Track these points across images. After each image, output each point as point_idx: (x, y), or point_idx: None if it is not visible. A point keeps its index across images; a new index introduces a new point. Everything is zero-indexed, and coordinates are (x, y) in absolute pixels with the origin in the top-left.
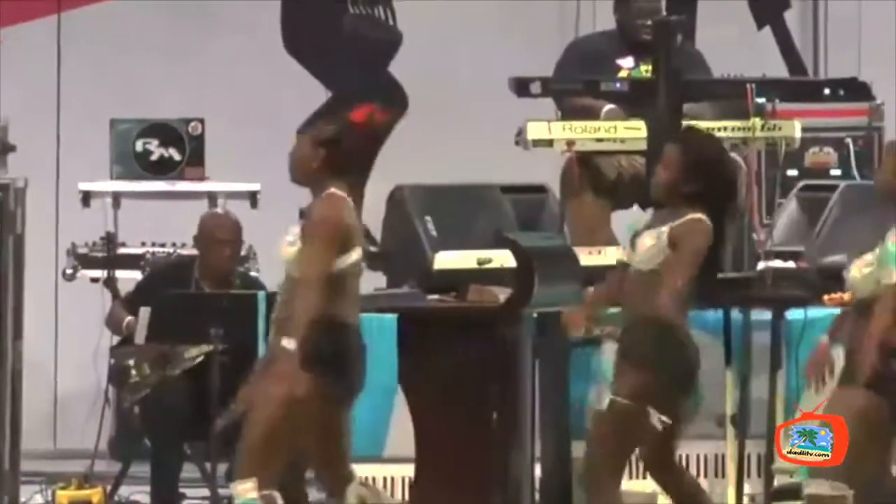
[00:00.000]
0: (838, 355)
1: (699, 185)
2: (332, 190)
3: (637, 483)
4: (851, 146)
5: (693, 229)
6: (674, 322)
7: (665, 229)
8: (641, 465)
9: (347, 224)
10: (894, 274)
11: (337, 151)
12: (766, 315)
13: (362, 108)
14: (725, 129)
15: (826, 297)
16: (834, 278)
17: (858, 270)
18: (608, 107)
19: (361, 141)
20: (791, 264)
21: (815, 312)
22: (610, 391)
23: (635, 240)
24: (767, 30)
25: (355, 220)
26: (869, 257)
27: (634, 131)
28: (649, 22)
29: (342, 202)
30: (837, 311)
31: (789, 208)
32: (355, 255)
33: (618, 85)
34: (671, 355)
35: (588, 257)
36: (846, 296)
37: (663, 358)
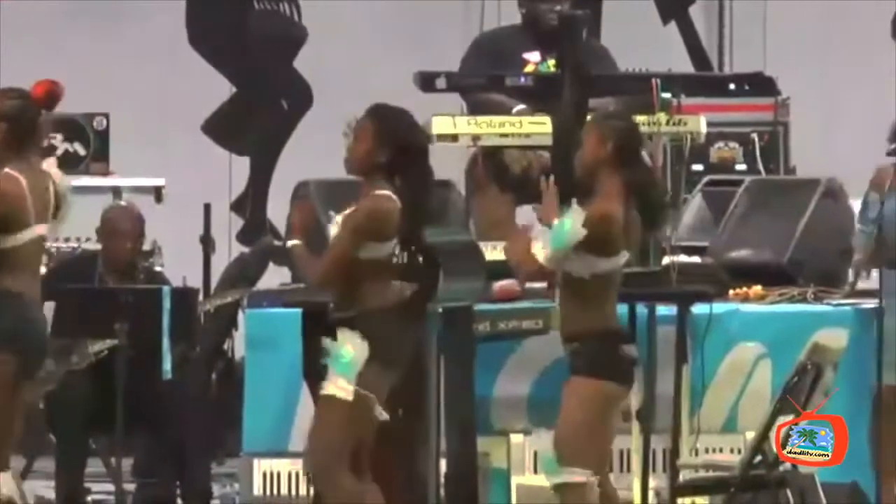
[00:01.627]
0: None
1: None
2: (6, 170)
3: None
4: (756, 141)
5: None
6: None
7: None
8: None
9: (17, 201)
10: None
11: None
12: (672, 310)
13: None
14: None
15: (731, 291)
16: (739, 273)
17: None
18: (519, 107)
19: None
20: (696, 259)
21: (720, 307)
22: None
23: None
24: (673, 25)
25: (26, 196)
26: None
27: (540, 126)
28: (555, 7)
29: (13, 180)
30: (742, 305)
31: (695, 203)
32: (28, 232)
33: (523, 80)
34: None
35: (493, 252)
36: (751, 290)
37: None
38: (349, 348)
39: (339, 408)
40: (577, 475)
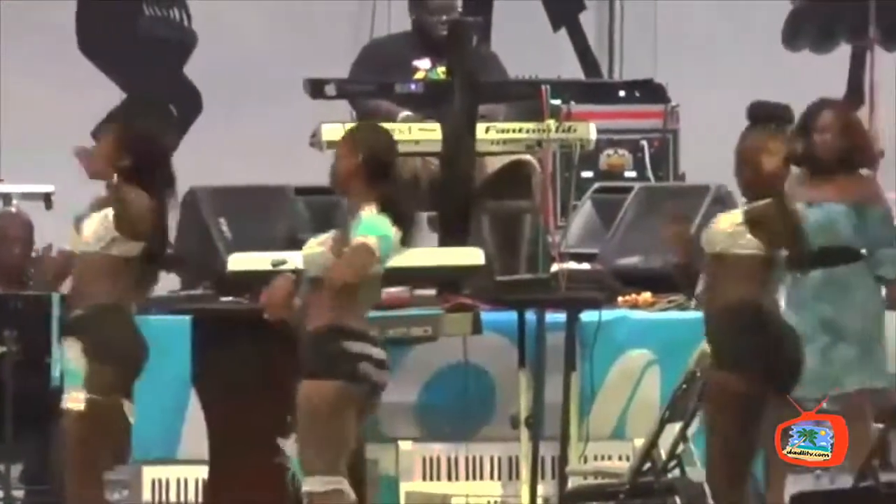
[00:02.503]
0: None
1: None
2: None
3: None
4: (646, 148)
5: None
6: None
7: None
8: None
9: None
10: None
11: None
12: (561, 317)
13: None
14: (521, 130)
15: (620, 298)
16: (628, 280)
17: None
18: (405, 114)
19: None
20: (586, 266)
21: (609, 314)
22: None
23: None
24: (563, 31)
25: None
26: None
27: (429, 133)
28: (444, 18)
29: None
30: (631, 312)
31: (584, 210)
32: None
33: (413, 87)
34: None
35: None
36: (640, 297)
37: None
38: (70, 356)
39: (75, 420)
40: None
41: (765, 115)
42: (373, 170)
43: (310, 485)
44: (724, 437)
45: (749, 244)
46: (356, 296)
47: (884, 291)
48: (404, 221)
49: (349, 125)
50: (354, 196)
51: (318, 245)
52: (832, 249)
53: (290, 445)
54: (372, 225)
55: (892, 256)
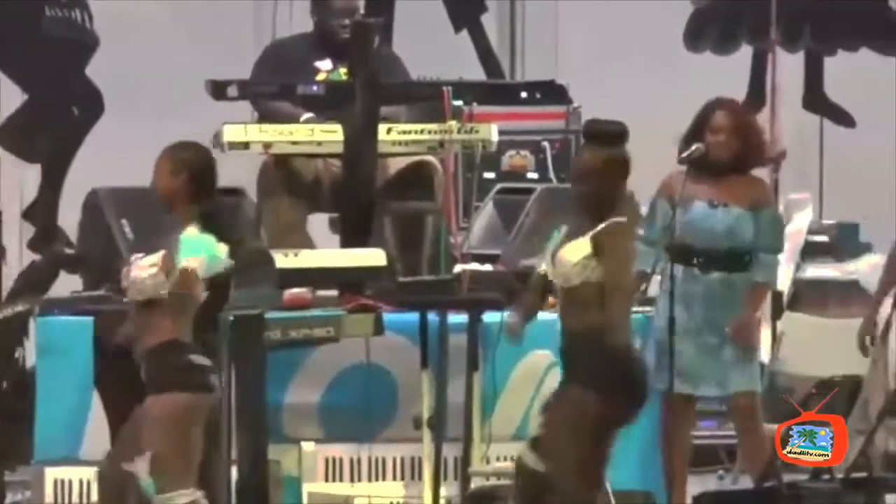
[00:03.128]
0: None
1: None
2: None
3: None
4: (548, 149)
5: None
6: None
7: None
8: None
9: None
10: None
11: None
12: (463, 318)
13: None
14: (423, 132)
15: None
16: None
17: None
18: (306, 116)
19: None
20: (488, 267)
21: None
22: None
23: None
24: (465, 33)
25: None
26: None
27: (331, 134)
28: (346, 22)
29: None
30: None
31: (486, 211)
32: None
33: (314, 88)
34: None
35: (284, 260)
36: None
37: None
38: None
39: None
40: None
41: (601, 134)
42: (195, 188)
43: (172, 501)
44: (581, 454)
45: (601, 273)
46: (189, 312)
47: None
48: (229, 235)
49: (250, 126)
50: (177, 213)
51: (149, 266)
52: (736, 253)
53: (140, 466)
54: (193, 246)
55: (769, 262)
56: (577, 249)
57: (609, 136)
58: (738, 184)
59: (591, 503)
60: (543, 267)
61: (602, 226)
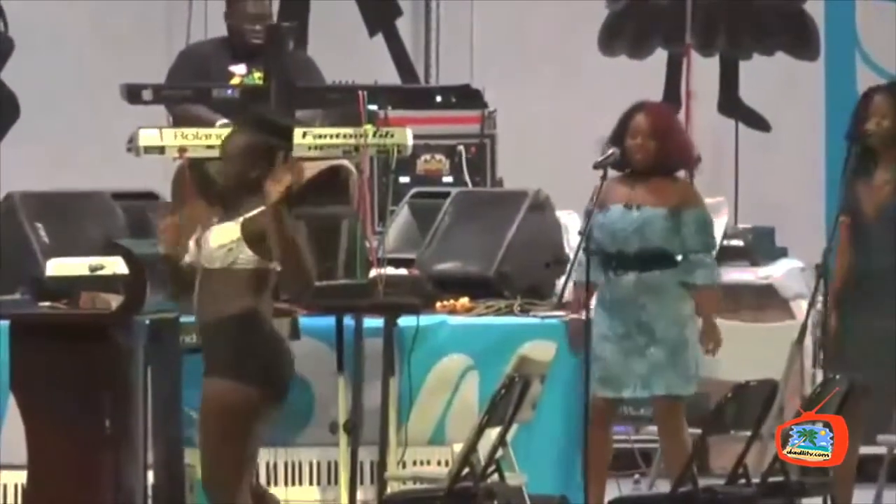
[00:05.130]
0: None
1: None
2: None
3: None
4: (463, 153)
5: None
6: None
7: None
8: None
9: None
10: None
11: None
12: (379, 322)
13: None
14: (338, 136)
15: (438, 303)
16: (446, 285)
17: None
18: (222, 121)
19: None
20: (403, 271)
21: (427, 319)
22: None
23: None
24: (380, 37)
25: None
26: None
27: None
28: (258, 27)
29: None
30: (449, 318)
31: (401, 215)
32: None
33: (229, 92)
34: None
35: None
36: (458, 302)
37: None
38: None
39: None
40: None
41: (253, 120)
42: None
43: None
44: (221, 445)
45: (247, 258)
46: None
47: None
48: None
49: (165, 130)
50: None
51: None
52: (646, 253)
53: None
54: None
55: (703, 262)
56: (225, 233)
57: (260, 123)
58: (661, 186)
59: (232, 496)
60: (187, 259)
61: (254, 212)
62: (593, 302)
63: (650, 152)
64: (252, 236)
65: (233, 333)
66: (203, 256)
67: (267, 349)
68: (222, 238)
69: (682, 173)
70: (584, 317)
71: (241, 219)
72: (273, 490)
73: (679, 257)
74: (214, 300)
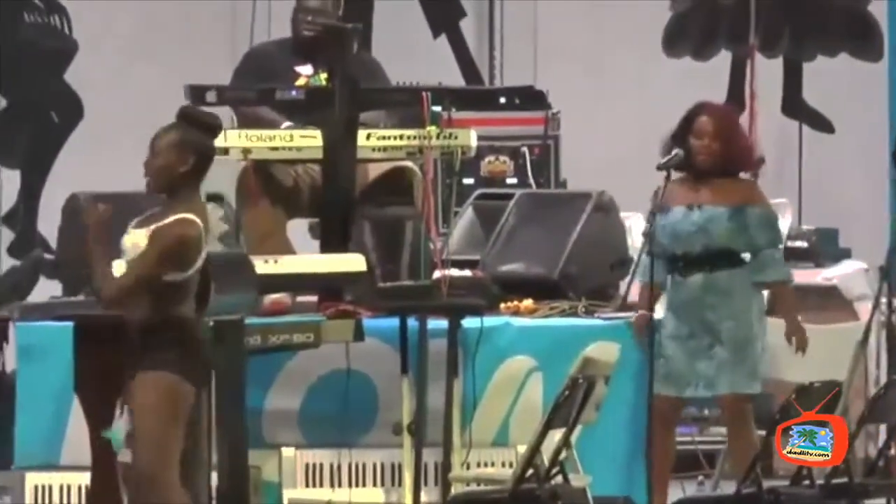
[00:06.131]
0: None
1: None
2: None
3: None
4: (527, 155)
5: None
6: None
7: None
8: None
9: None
10: None
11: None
12: (443, 323)
13: None
14: (402, 137)
15: (502, 305)
16: (510, 286)
17: None
18: (286, 124)
19: None
20: (467, 273)
21: (491, 321)
22: None
23: None
24: (444, 38)
25: None
26: None
27: (310, 140)
28: (310, 18)
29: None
30: (513, 319)
31: (465, 217)
32: None
33: (294, 93)
34: None
35: (264, 266)
36: (522, 304)
37: None
38: None
39: None
40: None
41: (185, 117)
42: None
43: None
44: (152, 437)
45: (150, 265)
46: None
47: (766, 295)
48: None
49: (229, 131)
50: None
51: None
52: (712, 253)
53: None
54: None
55: (773, 258)
56: (137, 238)
57: (188, 119)
58: (724, 186)
59: (164, 489)
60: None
61: (166, 222)
62: (660, 303)
63: (714, 153)
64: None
65: (156, 330)
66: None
67: (197, 344)
68: (133, 241)
69: (743, 174)
70: (648, 314)
71: (153, 226)
72: (337, 491)
73: (745, 256)
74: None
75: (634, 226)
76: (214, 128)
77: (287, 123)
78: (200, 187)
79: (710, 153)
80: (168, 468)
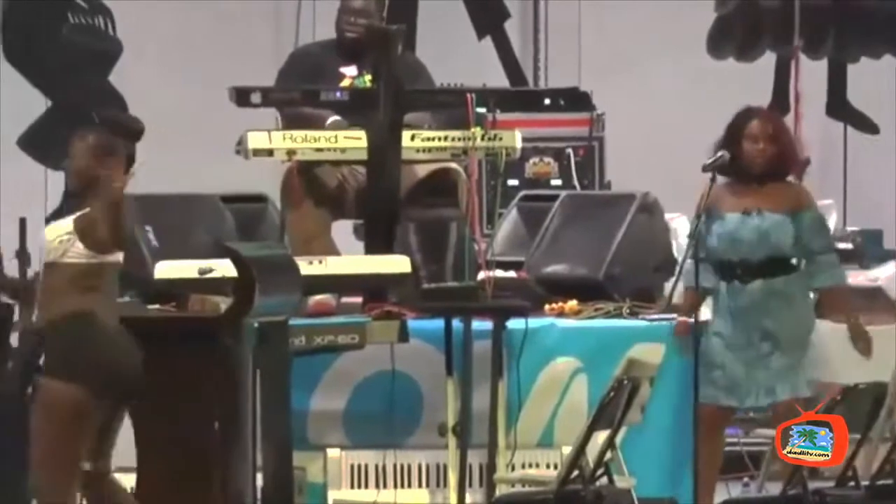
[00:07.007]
0: None
1: None
2: None
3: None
4: (572, 156)
5: None
6: None
7: None
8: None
9: None
10: None
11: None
12: (488, 324)
13: None
14: (446, 138)
15: (547, 306)
16: (555, 287)
17: None
18: (333, 118)
19: None
20: (512, 274)
21: (536, 322)
22: None
23: None
24: (488, 39)
25: None
26: None
27: (355, 141)
28: (353, 19)
29: None
30: (558, 320)
31: (510, 218)
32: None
33: (338, 94)
34: None
35: (308, 267)
36: (567, 305)
37: None
38: None
39: None
40: None
41: (112, 124)
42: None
43: None
44: (52, 444)
45: (78, 252)
46: None
47: (812, 298)
48: None
49: (274, 132)
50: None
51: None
52: (772, 261)
53: None
54: None
55: (829, 263)
56: (60, 227)
57: (107, 123)
58: (775, 190)
59: (62, 497)
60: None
61: (85, 211)
62: (705, 307)
63: (769, 157)
64: (85, 230)
65: (65, 332)
66: (44, 251)
67: (100, 349)
68: (55, 231)
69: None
70: (691, 320)
71: (76, 214)
72: (382, 493)
73: (795, 261)
74: (49, 297)
75: (679, 227)
76: (135, 132)
77: (333, 118)
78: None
79: (766, 157)
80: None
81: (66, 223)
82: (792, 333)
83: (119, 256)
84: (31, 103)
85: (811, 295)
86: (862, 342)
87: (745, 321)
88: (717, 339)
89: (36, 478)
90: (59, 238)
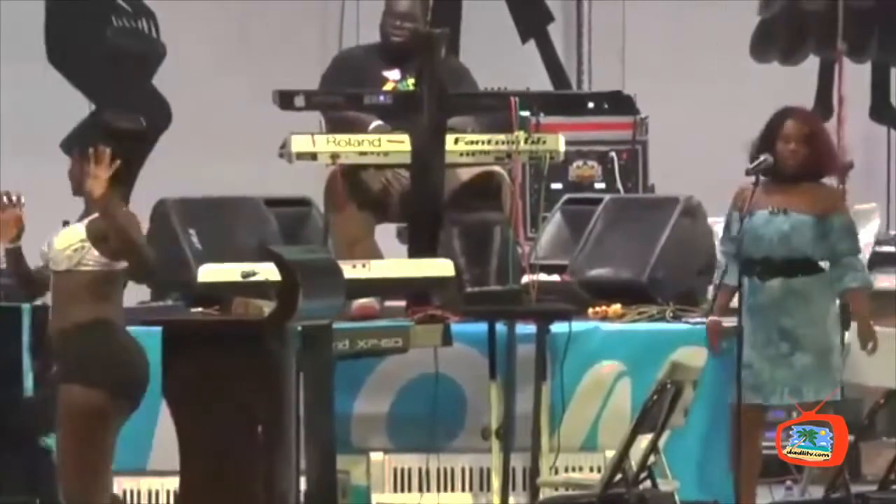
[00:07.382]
0: None
1: None
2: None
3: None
4: (615, 160)
5: None
6: None
7: None
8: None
9: None
10: None
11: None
12: (531, 328)
13: None
14: (490, 142)
15: (591, 309)
16: (598, 291)
17: None
18: (376, 123)
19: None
20: (555, 277)
21: (579, 325)
22: None
23: None
24: (532, 43)
25: None
26: None
27: (398, 144)
28: (398, 23)
29: None
30: (601, 324)
31: (554, 222)
32: None
33: (382, 98)
34: None
35: (352, 270)
36: (610, 308)
37: None
38: None
39: None
40: None
41: (111, 131)
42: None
43: None
44: (77, 450)
45: (93, 259)
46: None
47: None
48: None
49: (317, 136)
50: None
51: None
52: (793, 261)
53: None
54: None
55: (855, 265)
56: (72, 234)
57: (107, 131)
58: (808, 192)
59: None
60: (40, 261)
61: (94, 216)
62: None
63: (801, 157)
64: (98, 235)
65: (85, 340)
66: (51, 260)
67: (116, 356)
68: (68, 240)
69: (828, 179)
70: (719, 318)
71: (86, 220)
72: (426, 496)
73: (822, 262)
74: (63, 305)
75: (721, 231)
76: (134, 134)
77: (376, 122)
78: (124, 193)
79: (797, 157)
80: None
81: (78, 231)
82: (813, 334)
83: (124, 263)
84: (75, 106)
85: (835, 298)
86: (869, 342)
87: (763, 318)
88: (739, 337)
89: (68, 488)
90: (72, 246)
